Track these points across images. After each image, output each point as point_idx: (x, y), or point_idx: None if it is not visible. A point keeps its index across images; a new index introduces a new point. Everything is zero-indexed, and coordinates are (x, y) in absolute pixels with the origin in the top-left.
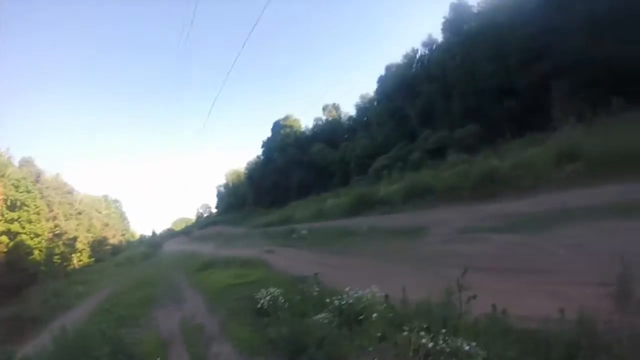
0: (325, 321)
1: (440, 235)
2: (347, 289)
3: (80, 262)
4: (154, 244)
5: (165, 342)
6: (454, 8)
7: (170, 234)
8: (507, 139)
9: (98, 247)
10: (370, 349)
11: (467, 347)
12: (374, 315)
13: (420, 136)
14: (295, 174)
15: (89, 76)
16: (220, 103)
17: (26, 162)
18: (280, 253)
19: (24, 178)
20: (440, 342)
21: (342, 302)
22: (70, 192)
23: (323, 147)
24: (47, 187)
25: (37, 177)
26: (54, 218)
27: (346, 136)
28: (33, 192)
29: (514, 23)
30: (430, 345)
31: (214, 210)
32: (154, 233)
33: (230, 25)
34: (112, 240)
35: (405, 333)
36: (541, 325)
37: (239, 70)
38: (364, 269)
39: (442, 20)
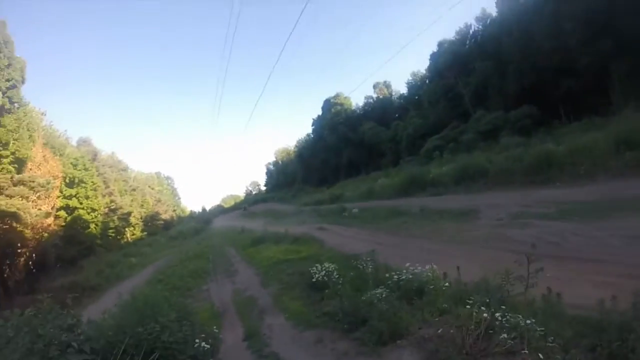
0: (384, 295)
1: (493, 219)
2: (407, 265)
3: (134, 236)
4: (204, 219)
5: (218, 312)
6: None
7: (219, 210)
8: (564, 121)
9: (150, 221)
10: (432, 321)
11: (525, 323)
12: (434, 290)
13: (474, 116)
14: (345, 152)
15: (142, 59)
16: (272, 81)
17: (84, 142)
18: (331, 230)
19: (82, 157)
20: (499, 317)
21: (401, 278)
22: (124, 169)
23: (374, 126)
24: (103, 165)
25: (94, 155)
26: (110, 194)
27: (397, 115)
28: (90, 170)
29: None
30: (491, 319)
31: (263, 188)
32: (203, 209)
33: (283, 3)
34: (164, 216)
35: (468, 307)
36: (591, 311)
37: (291, 49)
38: (417, 249)
39: None
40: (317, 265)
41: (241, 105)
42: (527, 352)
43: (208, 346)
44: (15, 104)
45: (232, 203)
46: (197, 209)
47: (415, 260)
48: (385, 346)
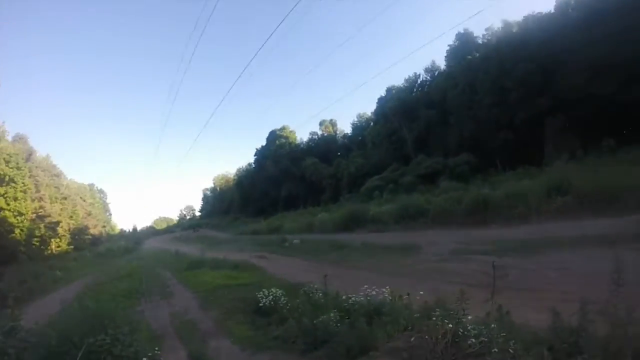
0: (338, 318)
1: (434, 254)
2: (364, 288)
3: (59, 248)
4: (135, 239)
5: (156, 335)
6: (460, 37)
7: (151, 232)
8: (500, 170)
9: (78, 235)
10: (398, 335)
11: (487, 331)
12: (392, 310)
13: (414, 160)
14: (286, 185)
15: (92, 67)
16: (220, 107)
17: (20, 139)
18: (272, 259)
19: (16, 154)
20: (461, 328)
21: (355, 301)
22: (58, 175)
23: (316, 162)
24: (36, 167)
25: (29, 155)
26: (40, 199)
27: (340, 153)
28: (23, 170)
29: (517, 57)
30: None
31: (198, 213)
32: (134, 229)
33: (236, 33)
34: (92, 230)
35: (433, 319)
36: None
37: (243, 77)
38: (361, 280)
39: (447, 48)
40: (263, 290)
41: (185, 126)
42: (496, 350)
43: None
44: None
45: (165, 225)
46: (128, 227)
47: (361, 290)
48: (357, 359)
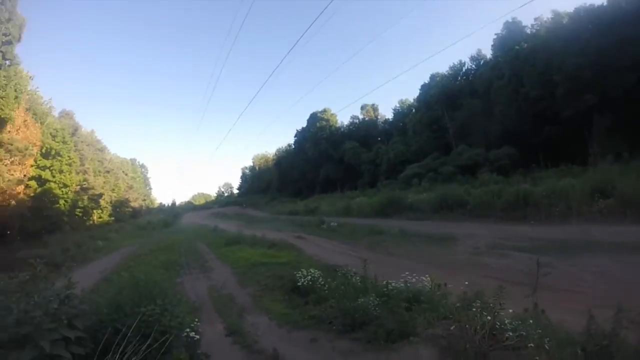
0: (377, 302)
1: (471, 247)
2: (405, 274)
3: (100, 219)
4: (174, 213)
5: (194, 307)
6: (507, 26)
7: (189, 207)
8: (542, 166)
9: (119, 207)
10: (437, 324)
11: (524, 326)
12: (431, 298)
13: (455, 150)
14: (324, 168)
15: (138, 47)
16: (263, 87)
17: (66, 115)
18: (309, 240)
19: (62, 129)
20: (498, 322)
21: (392, 287)
22: (102, 149)
23: (356, 146)
24: (82, 142)
25: (74, 130)
26: (84, 172)
27: (380, 138)
28: (69, 144)
29: (566, 50)
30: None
31: (236, 191)
32: (173, 203)
33: (283, 13)
34: (133, 203)
35: (473, 310)
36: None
37: (288, 58)
38: (398, 267)
39: (494, 37)
40: (302, 270)
41: (228, 106)
42: (532, 345)
43: (197, 337)
44: (7, 61)
45: (203, 201)
46: (167, 202)
47: (397, 277)
48: (395, 343)
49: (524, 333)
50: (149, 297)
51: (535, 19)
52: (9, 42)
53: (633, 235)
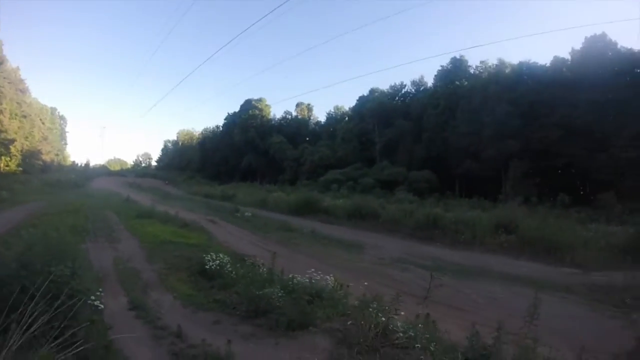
0: (280, 294)
1: (376, 257)
2: (310, 271)
3: (7, 168)
4: (86, 175)
5: (97, 277)
6: (454, 62)
7: (104, 171)
8: (457, 195)
9: (30, 158)
10: (335, 319)
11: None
12: (332, 296)
13: (379, 164)
14: (248, 156)
15: None
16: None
17: None
18: (222, 226)
19: None
20: (391, 324)
21: (297, 282)
22: (23, 91)
23: (283, 141)
24: (4, 78)
25: (0, 63)
26: (0, 112)
27: (308, 139)
28: None
29: (502, 97)
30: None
31: (154, 163)
32: (87, 164)
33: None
34: (45, 157)
35: (370, 310)
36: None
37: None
38: (305, 264)
39: (439, 68)
40: (211, 254)
41: (162, 74)
42: (419, 346)
43: (102, 306)
44: None
45: (119, 168)
46: (81, 162)
47: (303, 273)
48: (295, 332)
49: (413, 334)
50: (59, 258)
51: (481, 62)
52: None
53: (527, 270)
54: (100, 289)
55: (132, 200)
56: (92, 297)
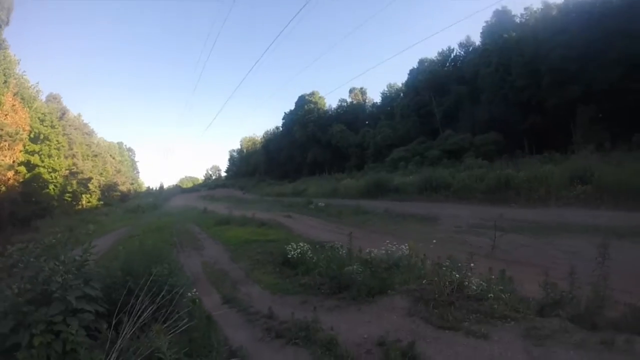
0: (360, 270)
1: (453, 226)
2: (386, 243)
3: (89, 204)
4: (162, 196)
5: (191, 281)
6: (497, 15)
7: (177, 190)
8: (526, 153)
9: (108, 191)
10: (413, 282)
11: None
12: (409, 263)
13: (442, 135)
14: (311, 151)
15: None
16: (252, 71)
17: (53, 98)
18: (298, 219)
19: (50, 113)
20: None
21: (374, 255)
22: (89, 133)
23: (343, 129)
24: (69, 125)
25: (62, 114)
26: (73, 156)
27: (367, 122)
28: (57, 128)
29: (554, 42)
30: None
31: (224, 174)
32: (161, 187)
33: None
34: (121, 187)
35: (444, 269)
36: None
37: (276, 41)
38: (382, 242)
39: (483, 24)
40: (291, 244)
41: (216, 88)
42: (492, 295)
43: (198, 299)
44: None
45: (191, 185)
46: (155, 185)
47: (380, 249)
48: (375, 297)
49: (486, 286)
50: (156, 261)
51: (525, 9)
52: None
53: (607, 219)
54: (194, 290)
55: (209, 210)
56: (189, 293)
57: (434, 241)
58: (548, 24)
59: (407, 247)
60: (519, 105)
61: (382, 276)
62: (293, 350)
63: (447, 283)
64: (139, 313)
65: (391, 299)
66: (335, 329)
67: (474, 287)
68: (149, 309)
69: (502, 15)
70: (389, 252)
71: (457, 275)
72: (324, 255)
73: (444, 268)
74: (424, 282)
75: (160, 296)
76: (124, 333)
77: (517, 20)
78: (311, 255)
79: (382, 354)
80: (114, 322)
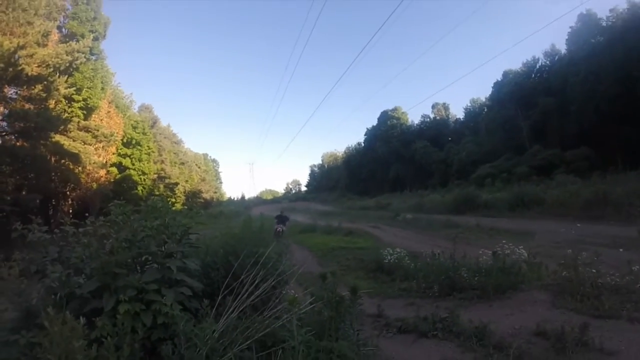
0: (470, 274)
1: (551, 241)
2: (499, 245)
3: (174, 208)
4: (244, 205)
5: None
6: (582, 19)
7: (258, 201)
8: (620, 168)
9: (192, 197)
10: (544, 278)
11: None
12: (530, 265)
13: (529, 150)
14: (394, 166)
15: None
16: (332, 88)
17: (145, 108)
18: (385, 230)
19: (142, 121)
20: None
21: (483, 260)
22: (178, 142)
23: (426, 145)
24: (160, 134)
25: (153, 122)
26: (161, 162)
27: (450, 138)
28: (148, 135)
29: None
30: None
31: (304, 188)
32: (243, 197)
33: (354, 14)
34: (205, 195)
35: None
36: None
37: (356, 60)
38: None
39: (568, 30)
40: (388, 249)
41: (299, 104)
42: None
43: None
44: (94, 56)
45: (271, 197)
46: (236, 196)
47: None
48: (506, 293)
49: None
50: (263, 244)
51: (611, 11)
52: (96, 39)
53: None
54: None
55: (292, 219)
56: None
57: (537, 253)
58: (637, 24)
59: (523, 250)
60: (612, 117)
61: (512, 272)
62: (433, 342)
63: (587, 278)
64: (243, 296)
65: (527, 294)
66: (475, 322)
67: (609, 281)
68: (254, 294)
69: (586, 19)
70: (502, 255)
71: (593, 271)
72: (423, 263)
73: (579, 268)
74: (563, 273)
75: (268, 282)
76: (229, 312)
77: (604, 23)
78: (409, 261)
79: (555, 340)
80: (217, 302)
